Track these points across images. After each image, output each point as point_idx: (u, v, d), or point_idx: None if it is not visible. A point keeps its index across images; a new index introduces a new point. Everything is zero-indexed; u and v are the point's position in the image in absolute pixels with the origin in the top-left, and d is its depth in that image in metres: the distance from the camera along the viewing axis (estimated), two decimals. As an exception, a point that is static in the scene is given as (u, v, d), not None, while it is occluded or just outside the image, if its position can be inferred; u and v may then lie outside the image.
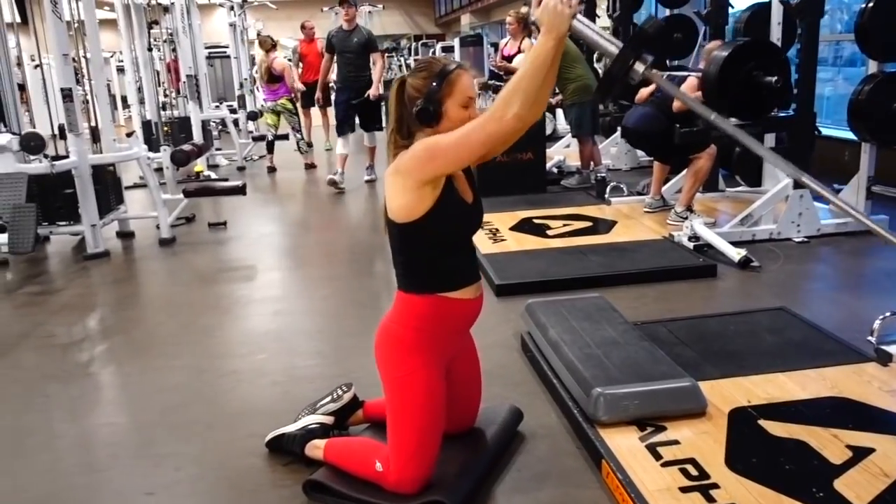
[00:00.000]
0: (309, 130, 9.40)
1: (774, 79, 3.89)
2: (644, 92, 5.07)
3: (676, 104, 4.56)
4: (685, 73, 4.83)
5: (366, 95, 6.64)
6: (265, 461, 2.25)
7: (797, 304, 3.24)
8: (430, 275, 1.93)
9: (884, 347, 2.61)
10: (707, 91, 4.12)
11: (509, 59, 6.79)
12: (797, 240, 4.33)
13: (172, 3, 7.97)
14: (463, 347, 2.11)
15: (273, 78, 8.06)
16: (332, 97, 7.58)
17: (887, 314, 2.71)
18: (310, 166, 8.28)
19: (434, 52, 20.00)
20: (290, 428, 2.25)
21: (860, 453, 2.03)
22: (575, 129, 6.44)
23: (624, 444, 2.13)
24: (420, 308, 1.93)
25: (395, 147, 1.91)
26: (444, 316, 1.94)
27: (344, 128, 6.80)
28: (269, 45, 8.24)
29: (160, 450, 2.36)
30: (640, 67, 1.72)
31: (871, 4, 3.93)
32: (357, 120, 6.86)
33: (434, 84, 1.82)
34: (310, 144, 8.45)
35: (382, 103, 6.75)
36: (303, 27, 9.11)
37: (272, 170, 8.24)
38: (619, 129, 7.20)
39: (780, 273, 3.85)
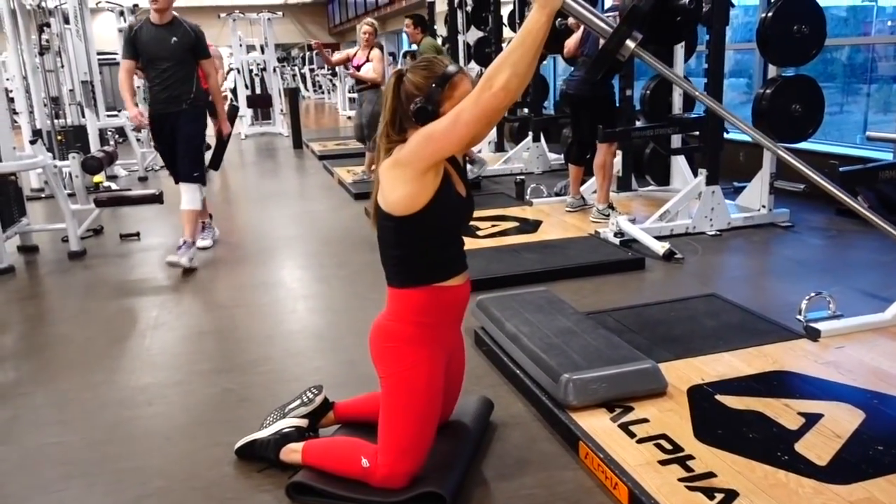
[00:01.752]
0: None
1: (688, 1, 4.08)
2: (570, 43, 5.22)
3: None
4: (604, 18, 5.01)
5: (218, 133, 4.82)
6: (237, 469, 2.18)
7: (724, 291, 3.46)
8: (427, 266, 1.94)
9: (812, 325, 2.84)
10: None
11: (358, 68, 6.76)
12: (711, 233, 4.62)
13: (57, 6, 7.52)
14: (458, 343, 2.14)
15: None
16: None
17: (812, 294, 2.94)
18: None
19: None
20: (263, 433, 2.19)
21: (812, 419, 2.21)
22: None
23: (597, 425, 2.22)
24: (417, 301, 1.93)
25: (389, 142, 1.90)
26: (440, 305, 1.95)
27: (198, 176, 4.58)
28: None
29: (119, 465, 2.24)
30: (630, 44, 1.78)
31: (770, 14, 4.26)
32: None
33: (435, 85, 1.82)
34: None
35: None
36: None
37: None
38: (529, 133, 7.45)
39: (701, 263, 4.10)
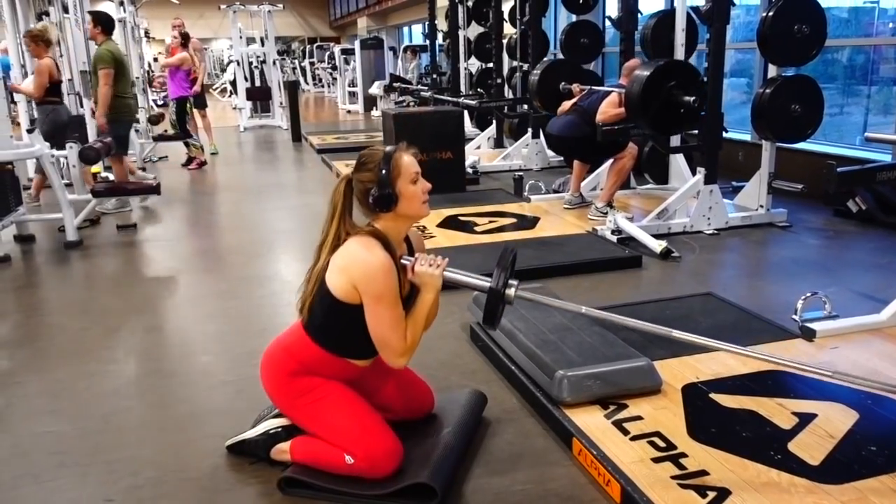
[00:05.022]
0: (209, 132, 9.21)
1: (692, 98, 4.13)
2: (566, 104, 5.27)
3: (600, 117, 4.75)
4: (607, 89, 5.05)
5: None
6: (229, 462, 2.18)
7: (720, 289, 3.46)
8: (339, 342, 2.01)
9: (807, 325, 2.84)
10: (630, 107, 4.33)
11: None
12: (708, 232, 4.62)
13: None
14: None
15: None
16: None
17: (808, 294, 2.94)
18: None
19: (332, 55, 19.85)
20: (252, 433, 2.18)
21: (805, 418, 2.21)
22: (116, 148, 5.67)
23: (591, 422, 2.22)
24: (314, 354, 2.01)
25: (336, 240, 1.97)
26: (332, 370, 2.03)
27: None
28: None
29: (111, 455, 2.23)
30: (511, 291, 1.97)
31: (770, 13, 4.26)
32: None
33: (383, 171, 1.89)
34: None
35: None
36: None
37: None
38: (528, 130, 7.43)
39: (698, 262, 4.10)
